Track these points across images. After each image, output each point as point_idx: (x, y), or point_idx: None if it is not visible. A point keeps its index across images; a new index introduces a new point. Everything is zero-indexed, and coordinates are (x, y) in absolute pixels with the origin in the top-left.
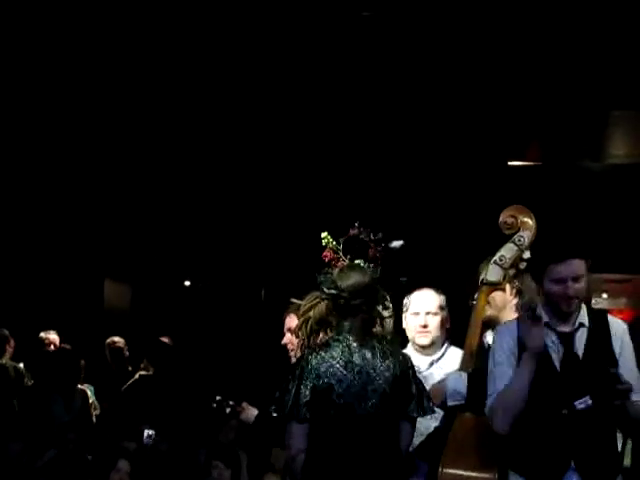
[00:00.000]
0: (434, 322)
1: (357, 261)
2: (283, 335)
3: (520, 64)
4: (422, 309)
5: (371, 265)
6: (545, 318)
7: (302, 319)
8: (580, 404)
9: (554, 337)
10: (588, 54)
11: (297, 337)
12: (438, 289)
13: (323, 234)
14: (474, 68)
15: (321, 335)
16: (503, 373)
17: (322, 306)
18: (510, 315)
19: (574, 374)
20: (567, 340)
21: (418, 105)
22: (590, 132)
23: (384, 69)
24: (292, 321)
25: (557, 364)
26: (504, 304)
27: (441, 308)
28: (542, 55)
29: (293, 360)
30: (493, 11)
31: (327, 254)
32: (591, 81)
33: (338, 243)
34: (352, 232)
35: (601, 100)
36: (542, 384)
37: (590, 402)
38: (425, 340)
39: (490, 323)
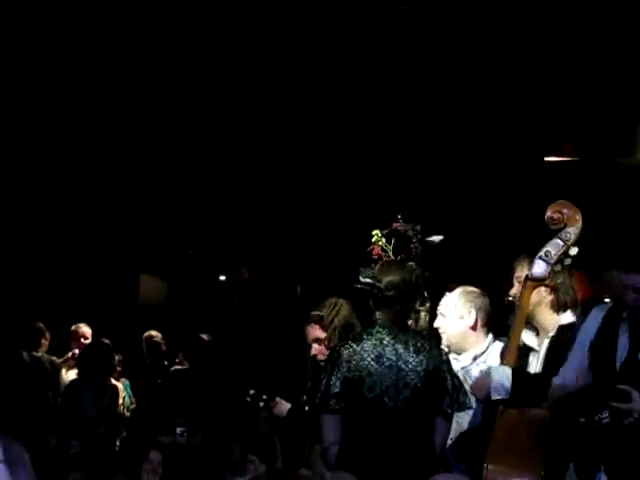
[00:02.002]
0: (443, 323)
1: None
2: (308, 347)
3: (557, 61)
4: (439, 309)
5: (415, 263)
6: (624, 313)
7: (330, 329)
8: (600, 419)
9: (627, 335)
10: (622, 52)
11: (328, 348)
12: (467, 288)
13: (374, 231)
14: (511, 64)
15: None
16: (573, 359)
17: (343, 311)
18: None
19: (628, 377)
20: (636, 342)
21: (455, 100)
22: (625, 127)
23: (421, 63)
24: (315, 331)
25: (618, 363)
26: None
27: (455, 309)
28: (578, 52)
29: None
30: (529, 9)
31: (376, 251)
32: (626, 77)
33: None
34: (395, 226)
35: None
36: (598, 379)
37: (606, 417)
38: (443, 341)
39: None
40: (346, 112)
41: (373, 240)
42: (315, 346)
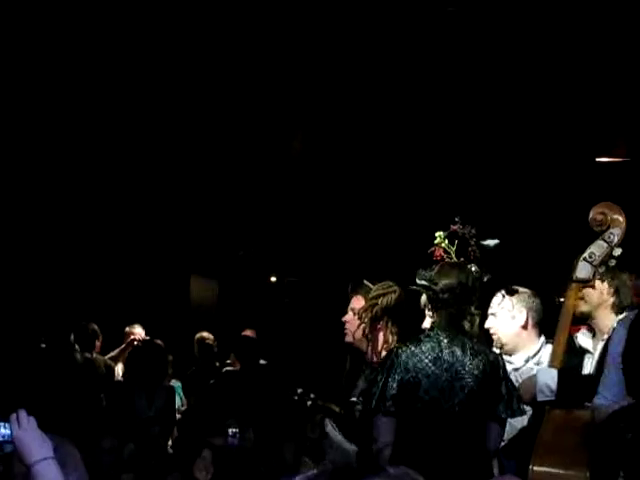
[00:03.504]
0: (494, 323)
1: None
2: (346, 312)
3: (607, 61)
4: (489, 310)
5: (476, 265)
6: None
7: (370, 303)
8: None
9: None
10: None
11: (359, 318)
12: (514, 288)
13: (437, 233)
14: (562, 65)
15: (380, 324)
16: (610, 374)
17: (392, 297)
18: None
19: None
20: None
21: (505, 101)
22: None
23: (472, 64)
24: (358, 302)
25: None
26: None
27: (506, 310)
28: (628, 52)
29: (347, 339)
30: (580, 9)
31: (438, 253)
32: None
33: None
34: (453, 228)
35: None
36: (634, 388)
37: None
38: (495, 342)
39: (584, 320)
40: (402, 115)
41: (436, 242)
42: (350, 314)
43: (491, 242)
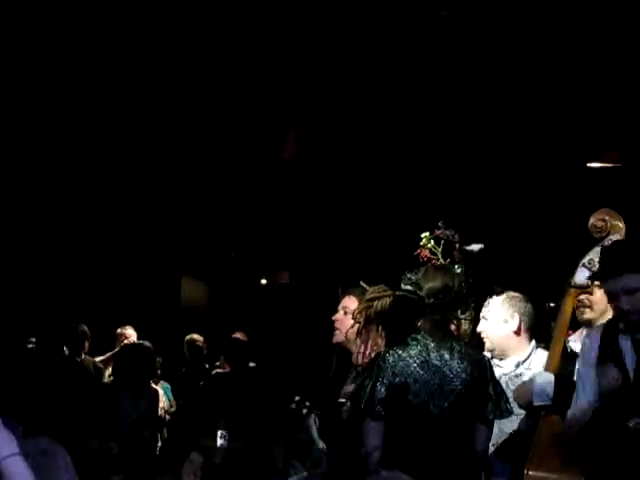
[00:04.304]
0: (486, 327)
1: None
2: (337, 311)
3: (599, 66)
4: (482, 314)
5: (461, 268)
6: (621, 325)
7: (364, 305)
8: (633, 426)
9: (629, 343)
10: None
11: (353, 319)
12: (510, 293)
13: (423, 234)
14: (553, 70)
15: (372, 327)
16: (584, 383)
17: (387, 301)
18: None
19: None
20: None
21: (497, 106)
22: None
23: (463, 69)
24: (350, 302)
25: (631, 373)
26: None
27: (498, 314)
28: (621, 57)
29: (336, 338)
30: (572, 13)
31: (424, 254)
32: None
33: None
34: (437, 232)
35: None
36: (613, 391)
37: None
38: (486, 346)
39: (576, 325)
40: (390, 118)
41: (421, 243)
42: (339, 314)
43: (475, 246)
